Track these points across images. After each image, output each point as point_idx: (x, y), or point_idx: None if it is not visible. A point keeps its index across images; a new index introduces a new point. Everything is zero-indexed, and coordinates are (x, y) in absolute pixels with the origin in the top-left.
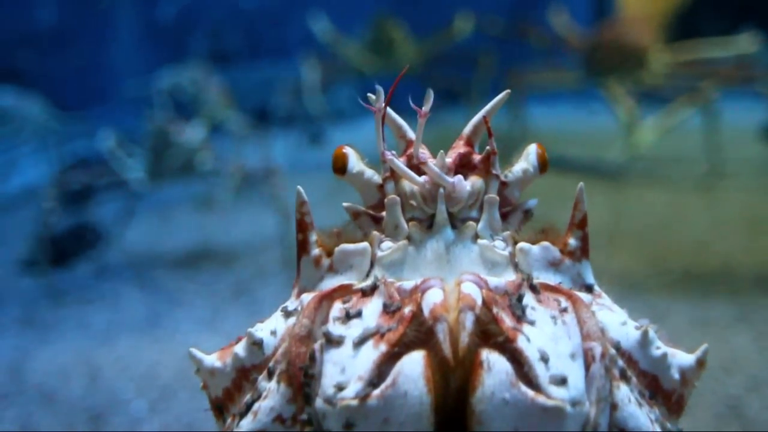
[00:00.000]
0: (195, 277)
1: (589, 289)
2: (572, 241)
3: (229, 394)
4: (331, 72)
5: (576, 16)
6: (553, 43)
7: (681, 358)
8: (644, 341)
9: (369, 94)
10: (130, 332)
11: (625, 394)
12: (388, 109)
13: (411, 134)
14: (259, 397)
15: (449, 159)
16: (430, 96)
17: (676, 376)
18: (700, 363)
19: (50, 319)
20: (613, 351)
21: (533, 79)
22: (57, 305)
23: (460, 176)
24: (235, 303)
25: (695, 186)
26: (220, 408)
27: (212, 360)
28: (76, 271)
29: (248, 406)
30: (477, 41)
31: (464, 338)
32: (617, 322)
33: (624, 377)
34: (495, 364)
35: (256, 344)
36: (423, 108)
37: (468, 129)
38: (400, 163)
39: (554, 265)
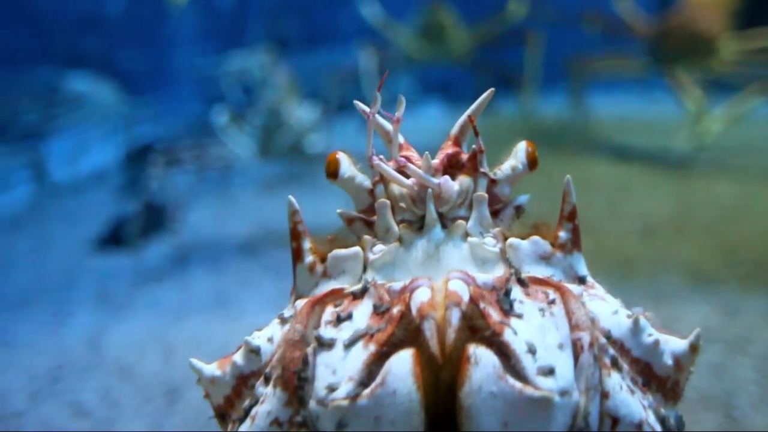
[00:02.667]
0: (261, 259)
1: (581, 280)
2: (563, 234)
3: (230, 401)
4: (386, 59)
5: (640, 1)
6: (618, 30)
7: (674, 344)
8: (636, 329)
9: (356, 102)
10: (201, 311)
11: (616, 381)
12: (376, 116)
13: (400, 138)
14: (256, 402)
15: (437, 160)
16: (402, 102)
17: (670, 362)
18: (693, 348)
19: (124, 297)
20: (603, 340)
21: (596, 66)
22: (129, 284)
23: (446, 176)
24: None
25: (763, 176)
26: (222, 415)
27: (212, 369)
28: (147, 251)
29: (246, 412)
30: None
31: (451, 334)
32: (608, 311)
33: (615, 365)
34: (482, 358)
35: (254, 351)
36: (396, 113)
37: (455, 129)
38: (386, 166)
39: (545, 259)
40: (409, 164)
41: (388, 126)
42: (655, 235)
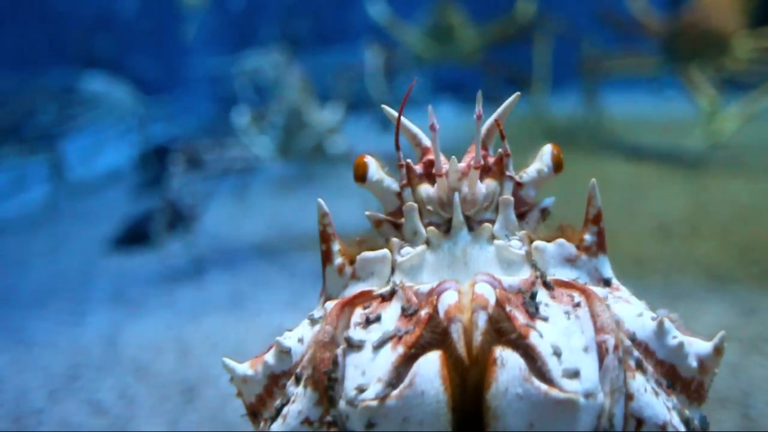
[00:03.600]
0: (276, 259)
1: (606, 282)
2: (588, 237)
3: (262, 399)
4: (394, 58)
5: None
6: (631, 29)
7: (698, 346)
8: (660, 331)
9: (384, 106)
10: (217, 311)
11: (640, 383)
12: (403, 119)
13: (426, 142)
14: (288, 402)
15: (463, 164)
16: (432, 113)
17: (694, 364)
18: (718, 350)
19: (140, 296)
20: (628, 342)
21: (610, 65)
22: (146, 283)
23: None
24: (315, 286)
25: None
26: (254, 413)
27: (244, 368)
28: (164, 251)
29: (278, 411)
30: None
31: (477, 337)
32: (633, 313)
33: (640, 367)
34: (508, 361)
35: (285, 352)
36: (431, 121)
37: (482, 132)
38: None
39: (570, 261)
40: (443, 165)
41: (416, 129)
42: (670, 235)
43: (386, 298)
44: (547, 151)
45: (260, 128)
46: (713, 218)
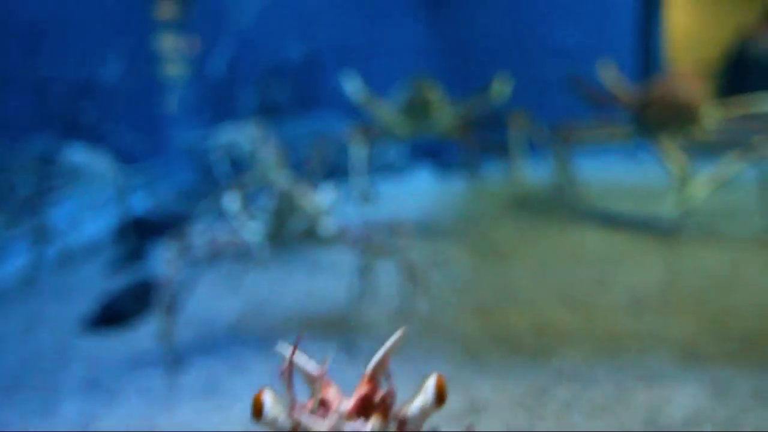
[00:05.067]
0: (253, 341)
1: None
2: None
3: None
4: (372, 135)
5: (622, 65)
6: (603, 99)
7: None
8: None
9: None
10: (192, 398)
11: None
12: (295, 359)
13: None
14: None
15: (350, 404)
16: (327, 359)
17: None
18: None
19: (114, 382)
20: None
21: (582, 135)
22: (121, 367)
23: (360, 421)
24: None
25: (752, 243)
26: None
27: None
28: (139, 333)
29: None
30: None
31: None
32: None
33: None
34: None
35: None
36: (320, 369)
37: (369, 368)
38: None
39: None
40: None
41: (309, 368)
42: (644, 309)
43: None
44: (430, 384)
45: (250, 213)
46: (687, 290)
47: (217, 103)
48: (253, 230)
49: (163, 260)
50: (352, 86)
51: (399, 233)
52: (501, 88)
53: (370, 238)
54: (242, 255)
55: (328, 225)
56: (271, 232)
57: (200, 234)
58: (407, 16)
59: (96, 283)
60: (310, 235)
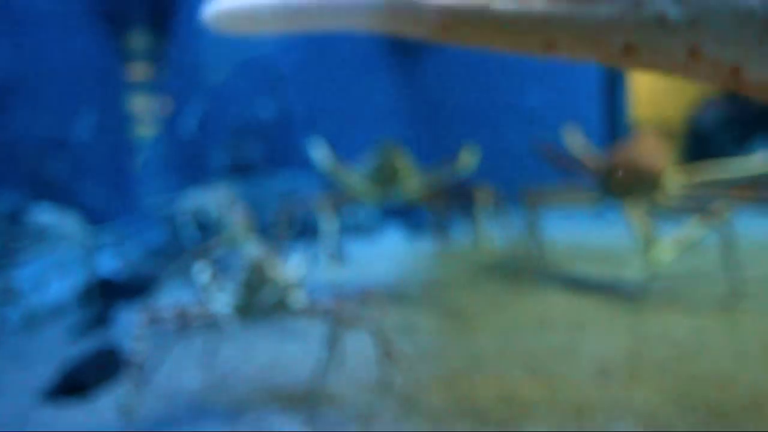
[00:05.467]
0: (215, 415)
1: None
2: None
3: None
4: (340, 202)
5: (588, 127)
6: (569, 164)
7: None
8: None
9: None
10: None
11: None
12: None
13: None
14: None
15: None
16: None
17: None
18: None
19: None
20: None
21: (549, 199)
22: None
23: None
24: None
25: (716, 308)
26: None
27: None
28: (98, 403)
29: None
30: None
31: None
32: None
33: None
34: None
35: None
36: None
37: None
38: None
39: None
40: None
41: None
42: (609, 379)
43: None
44: None
45: (220, 285)
46: (652, 359)
47: (188, 162)
48: (222, 302)
49: (132, 335)
50: (320, 154)
51: (371, 303)
52: (468, 158)
53: (342, 310)
54: (210, 327)
55: (299, 297)
56: (241, 304)
57: (169, 307)
58: (378, 78)
59: (58, 349)
60: (281, 308)
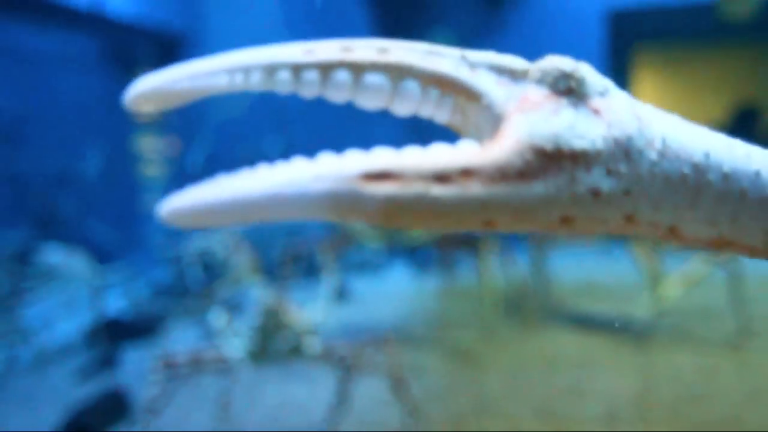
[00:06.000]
0: None
1: None
2: None
3: None
4: (344, 245)
5: None
6: None
7: None
8: None
9: None
10: None
11: None
12: None
13: None
14: None
15: None
16: None
17: None
18: None
19: None
20: None
21: (556, 236)
22: None
23: None
24: None
25: (724, 346)
26: None
27: None
28: None
29: None
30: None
31: None
32: None
33: None
34: None
35: None
36: None
37: None
38: None
39: None
40: None
41: None
42: (618, 420)
43: None
44: None
45: (234, 330)
46: (661, 400)
47: None
48: (236, 347)
49: (147, 381)
50: None
51: (384, 349)
52: None
53: (356, 357)
54: (223, 372)
55: (313, 343)
56: (255, 349)
57: (183, 353)
58: (384, 116)
59: (65, 390)
60: (296, 354)
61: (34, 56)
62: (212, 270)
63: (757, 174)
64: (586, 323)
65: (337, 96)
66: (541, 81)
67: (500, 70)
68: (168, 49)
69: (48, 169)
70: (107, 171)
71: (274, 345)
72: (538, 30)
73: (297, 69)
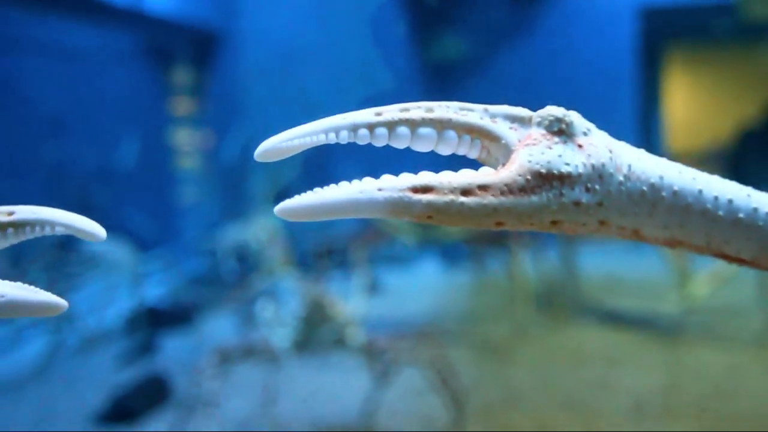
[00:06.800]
0: None
1: None
2: None
3: None
4: (374, 241)
5: None
6: None
7: None
8: None
9: None
10: None
11: None
12: None
13: None
14: None
15: None
16: None
17: None
18: None
19: None
20: None
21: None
22: None
23: None
24: None
25: (752, 344)
26: None
27: None
28: (146, 429)
29: None
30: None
31: None
32: None
33: None
34: None
35: None
36: None
37: None
38: None
39: None
40: None
41: None
42: (645, 414)
43: None
44: None
45: (281, 320)
46: (687, 396)
47: (230, 191)
48: (282, 337)
49: (204, 374)
50: None
51: (426, 343)
52: None
53: (397, 349)
54: (269, 361)
55: (357, 335)
56: (300, 339)
57: (237, 345)
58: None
59: (107, 375)
60: (340, 344)
61: (74, 52)
62: (246, 262)
63: (700, 192)
64: (614, 319)
65: (399, 144)
66: (540, 124)
67: (513, 118)
68: (204, 45)
69: (87, 160)
70: (144, 163)
71: (318, 336)
72: (569, 27)
73: (371, 127)
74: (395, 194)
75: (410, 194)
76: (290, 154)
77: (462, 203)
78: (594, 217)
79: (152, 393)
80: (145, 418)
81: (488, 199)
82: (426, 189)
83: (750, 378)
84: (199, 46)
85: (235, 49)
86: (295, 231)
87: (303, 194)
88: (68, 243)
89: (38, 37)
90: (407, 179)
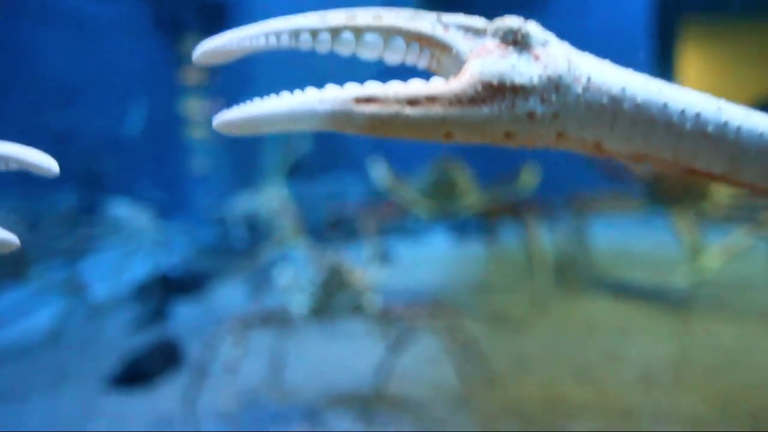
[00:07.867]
0: (268, 410)
1: None
2: None
3: None
4: (385, 217)
5: None
6: (617, 172)
7: None
8: None
9: None
10: None
11: None
12: None
13: None
14: None
15: None
16: None
17: None
18: None
19: None
20: None
21: (596, 206)
22: (142, 427)
23: None
24: None
25: (763, 316)
26: None
27: None
28: (160, 392)
29: None
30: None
31: None
32: None
33: None
34: None
35: None
36: None
37: None
38: None
39: None
40: None
41: None
42: (654, 384)
43: None
44: None
45: (298, 286)
46: (697, 366)
47: (240, 160)
48: (299, 303)
49: (228, 342)
50: (379, 173)
51: (442, 312)
52: (529, 178)
53: (413, 318)
54: (286, 327)
55: (374, 302)
56: (318, 306)
57: (256, 313)
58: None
59: (120, 340)
60: (357, 311)
61: (85, 20)
62: (257, 231)
63: (665, 105)
64: (625, 291)
65: (344, 51)
66: (494, 34)
67: (466, 29)
68: (215, 14)
69: (98, 129)
70: (155, 132)
71: (336, 302)
72: (583, 0)
73: (314, 32)
74: (337, 105)
75: (353, 105)
76: (232, 58)
77: (408, 115)
78: (550, 129)
79: (165, 357)
80: (158, 382)
81: (435, 110)
82: (370, 100)
83: (760, 350)
84: (209, 15)
85: (245, 17)
86: (305, 200)
87: (241, 106)
88: (91, 207)
89: (49, 5)
90: (352, 90)
